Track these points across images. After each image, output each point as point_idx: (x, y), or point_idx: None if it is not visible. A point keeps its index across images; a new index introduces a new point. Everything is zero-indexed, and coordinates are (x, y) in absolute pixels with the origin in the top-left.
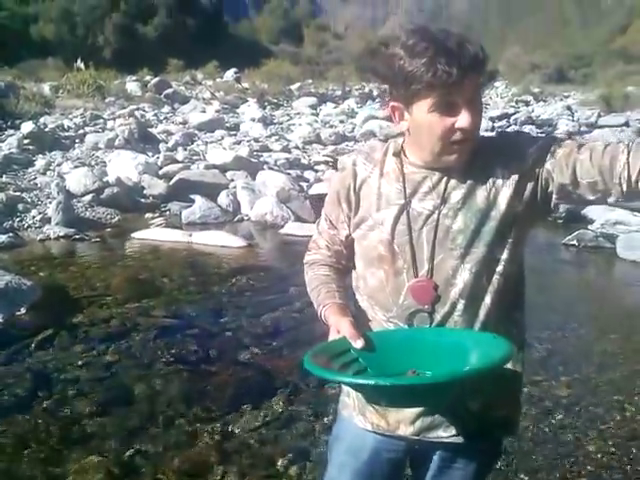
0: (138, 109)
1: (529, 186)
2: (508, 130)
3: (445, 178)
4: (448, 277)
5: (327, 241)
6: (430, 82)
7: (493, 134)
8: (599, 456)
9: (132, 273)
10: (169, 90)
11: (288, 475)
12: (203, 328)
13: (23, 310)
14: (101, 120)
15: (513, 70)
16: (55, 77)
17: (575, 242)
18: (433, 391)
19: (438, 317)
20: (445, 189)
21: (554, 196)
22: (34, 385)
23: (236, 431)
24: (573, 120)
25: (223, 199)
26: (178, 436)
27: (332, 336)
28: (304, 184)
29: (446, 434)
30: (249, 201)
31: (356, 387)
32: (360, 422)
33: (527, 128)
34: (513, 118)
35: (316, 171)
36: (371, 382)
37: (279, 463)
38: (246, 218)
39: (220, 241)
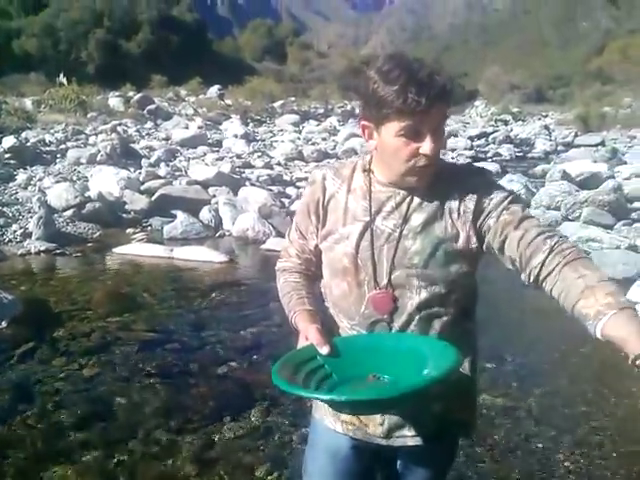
0: (120, 124)
1: (477, 227)
2: (473, 165)
3: (408, 199)
4: (405, 291)
5: (297, 250)
6: (400, 108)
7: (458, 163)
8: (567, 464)
9: (113, 288)
10: (152, 106)
11: None
12: (183, 342)
13: (4, 324)
14: (83, 135)
15: (493, 90)
16: (37, 92)
17: None
18: (383, 403)
19: (396, 326)
20: (407, 210)
21: (484, 246)
22: (15, 397)
23: (216, 441)
24: (550, 139)
25: (205, 214)
26: (159, 447)
27: (301, 342)
28: (286, 200)
29: (410, 434)
30: (231, 217)
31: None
32: (330, 424)
33: (505, 147)
34: (492, 137)
35: (298, 187)
36: (327, 397)
37: (258, 472)
38: (228, 234)
39: (202, 256)
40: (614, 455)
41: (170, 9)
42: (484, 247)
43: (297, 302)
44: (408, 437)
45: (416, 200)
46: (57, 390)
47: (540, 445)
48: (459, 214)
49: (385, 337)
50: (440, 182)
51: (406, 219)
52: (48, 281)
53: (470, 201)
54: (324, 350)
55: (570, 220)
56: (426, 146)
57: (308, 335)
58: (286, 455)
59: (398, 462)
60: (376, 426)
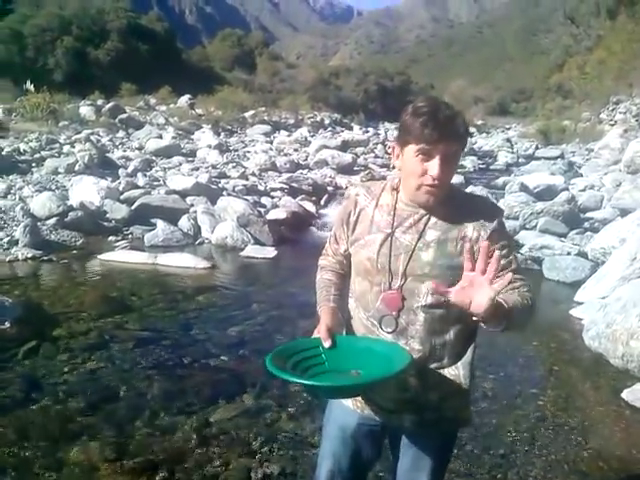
0: (93, 134)
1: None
2: (489, 200)
3: (425, 217)
4: (414, 294)
5: (333, 251)
6: (418, 136)
7: (476, 194)
8: (514, 434)
9: (103, 292)
10: (123, 115)
11: (262, 452)
12: (175, 340)
13: (7, 324)
14: (57, 144)
15: (458, 102)
16: (5, 99)
17: None
18: (344, 390)
19: (403, 322)
20: (424, 227)
21: None
22: (27, 388)
23: (214, 421)
24: (512, 152)
25: (184, 223)
26: (163, 425)
27: (315, 334)
28: (261, 210)
29: (409, 417)
30: (209, 225)
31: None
32: (344, 401)
33: (469, 159)
34: None
35: (272, 197)
36: (298, 380)
37: (253, 445)
38: (207, 241)
39: (184, 263)
40: (553, 426)
41: (139, 18)
42: None
43: (324, 298)
44: (406, 420)
45: (432, 219)
46: (65, 381)
47: (493, 420)
48: (469, 239)
49: (374, 341)
50: (455, 208)
51: (422, 234)
52: (39, 286)
53: (479, 231)
54: (326, 344)
55: (527, 229)
56: (433, 168)
57: (319, 329)
58: (276, 431)
59: (402, 437)
60: (377, 413)
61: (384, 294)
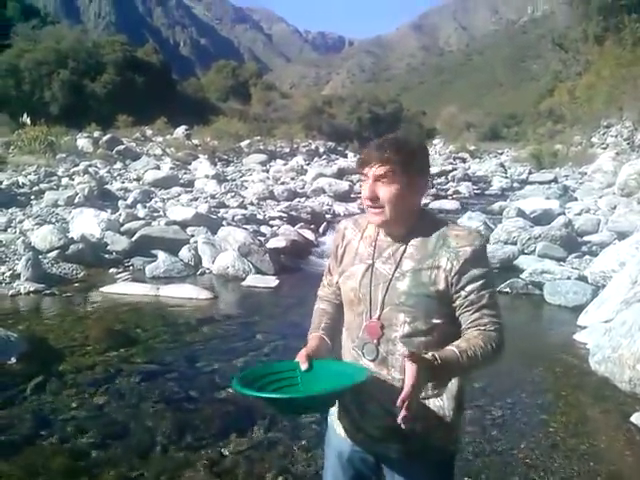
0: (91, 165)
1: (451, 284)
2: (470, 229)
3: (402, 248)
4: (392, 323)
5: (328, 282)
6: (357, 161)
7: (458, 224)
8: (527, 461)
9: (107, 325)
10: (120, 147)
11: None
12: (181, 372)
13: (13, 360)
14: (55, 177)
15: (450, 128)
16: (2, 132)
17: (508, 289)
18: (292, 404)
19: (382, 350)
20: (400, 257)
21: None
22: (36, 424)
23: (226, 454)
24: (506, 177)
25: (185, 254)
26: (175, 461)
27: (297, 358)
28: (261, 238)
29: (394, 447)
30: (210, 255)
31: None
32: (337, 428)
33: (464, 185)
34: (451, 175)
35: (271, 226)
36: (251, 393)
37: (267, 477)
38: (208, 272)
39: (187, 294)
40: (565, 452)
41: (135, 51)
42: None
43: (315, 326)
44: (392, 449)
45: (409, 250)
46: (73, 417)
47: (505, 446)
48: (443, 269)
49: (348, 365)
50: (431, 237)
51: (398, 265)
52: (43, 320)
53: (452, 262)
54: (302, 367)
55: (526, 254)
56: (364, 189)
57: (299, 353)
58: (288, 464)
59: (391, 472)
60: (366, 434)
61: (367, 323)
